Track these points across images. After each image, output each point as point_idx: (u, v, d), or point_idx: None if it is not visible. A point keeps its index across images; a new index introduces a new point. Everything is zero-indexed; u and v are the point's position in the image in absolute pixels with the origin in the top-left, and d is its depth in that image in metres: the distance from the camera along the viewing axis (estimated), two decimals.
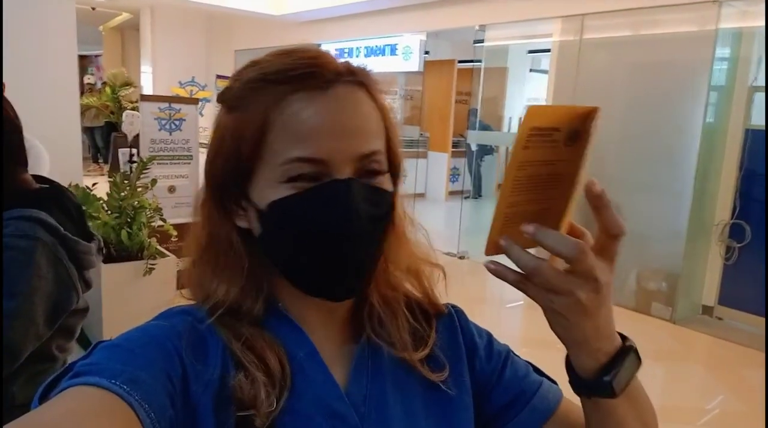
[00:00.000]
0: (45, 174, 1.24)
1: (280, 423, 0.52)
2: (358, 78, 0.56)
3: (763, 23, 4.11)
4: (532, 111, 0.43)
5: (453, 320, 0.68)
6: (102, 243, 1.22)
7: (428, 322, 0.66)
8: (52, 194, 1.16)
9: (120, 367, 0.47)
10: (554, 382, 0.70)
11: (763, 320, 4.08)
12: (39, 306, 1.05)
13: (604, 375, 0.52)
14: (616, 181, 4.66)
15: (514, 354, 0.71)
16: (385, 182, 0.57)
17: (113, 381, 0.45)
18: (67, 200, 1.18)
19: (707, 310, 4.40)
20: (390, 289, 0.63)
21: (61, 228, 1.10)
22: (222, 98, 0.57)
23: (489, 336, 0.71)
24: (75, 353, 3.05)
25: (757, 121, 4.18)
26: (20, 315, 1.02)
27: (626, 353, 0.53)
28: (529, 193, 0.48)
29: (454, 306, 0.71)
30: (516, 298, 4.98)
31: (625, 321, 4.28)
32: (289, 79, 0.53)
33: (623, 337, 0.55)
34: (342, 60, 0.57)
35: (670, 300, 4.32)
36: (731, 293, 4.30)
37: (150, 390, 0.47)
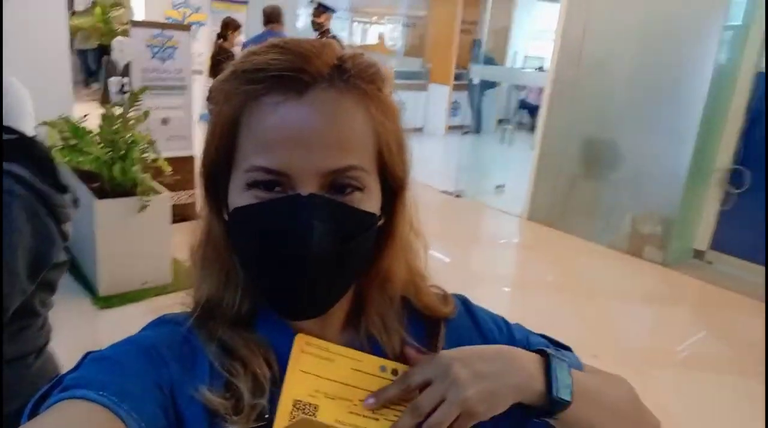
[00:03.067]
0: (27, 125, 1.18)
1: None
2: (350, 81, 0.51)
3: None
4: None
5: (464, 320, 0.65)
6: (77, 195, 1.19)
7: (434, 330, 0.62)
8: (22, 146, 1.12)
9: (108, 379, 0.47)
10: (568, 348, 0.70)
11: (754, 265, 4.13)
12: (21, 260, 1.04)
13: (552, 393, 0.53)
14: (621, 118, 4.56)
15: (530, 333, 0.69)
16: (362, 200, 0.52)
17: (101, 392, 0.45)
18: (38, 151, 1.13)
19: (698, 255, 4.44)
20: (385, 302, 0.60)
21: (37, 182, 1.06)
22: (214, 87, 0.54)
23: (507, 325, 0.68)
24: (75, 293, 3.04)
25: None
26: (4, 270, 1.00)
27: (549, 366, 0.54)
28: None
29: (463, 302, 0.67)
30: (509, 235, 5.02)
31: (617, 264, 4.35)
32: (263, 79, 0.49)
33: (540, 351, 0.57)
34: (341, 55, 0.52)
35: (663, 243, 4.34)
36: (724, 238, 4.32)
37: (139, 400, 0.47)
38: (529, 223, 5.06)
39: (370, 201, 0.53)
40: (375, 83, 0.53)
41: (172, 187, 3.89)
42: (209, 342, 0.54)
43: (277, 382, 0.52)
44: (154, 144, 3.43)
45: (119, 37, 4.37)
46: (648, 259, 4.37)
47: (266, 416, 0.50)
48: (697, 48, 4.11)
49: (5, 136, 1.12)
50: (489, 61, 7.51)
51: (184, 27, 4.58)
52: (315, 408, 0.51)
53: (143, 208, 3.04)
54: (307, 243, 0.48)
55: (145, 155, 3.34)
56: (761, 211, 4.20)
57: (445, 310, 0.63)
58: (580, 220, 4.86)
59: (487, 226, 5.35)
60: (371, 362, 0.54)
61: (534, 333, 0.69)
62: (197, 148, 4.42)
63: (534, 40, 9.39)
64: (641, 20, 4.41)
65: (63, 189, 1.15)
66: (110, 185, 3.13)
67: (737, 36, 4.13)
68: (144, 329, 0.57)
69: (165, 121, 4.23)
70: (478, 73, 6.88)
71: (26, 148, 1.12)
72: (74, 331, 2.43)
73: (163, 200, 3.21)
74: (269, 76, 0.49)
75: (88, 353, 0.52)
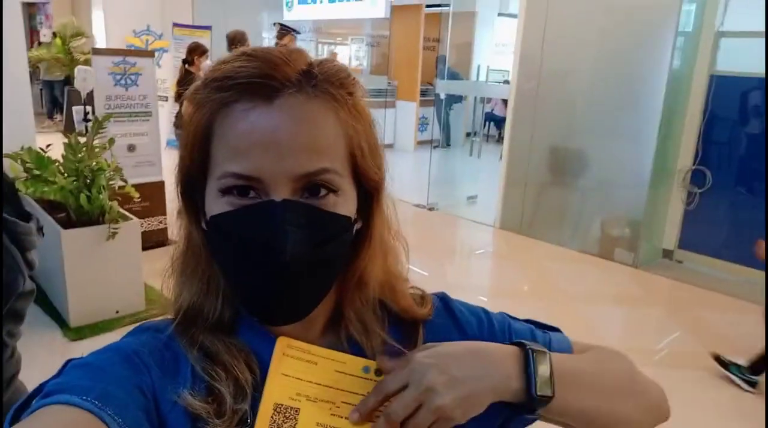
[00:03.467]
0: None
1: None
2: (319, 86, 0.51)
3: None
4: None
5: (442, 318, 0.65)
6: (40, 222, 1.16)
7: (412, 332, 0.62)
8: None
9: (90, 384, 0.47)
10: (556, 329, 0.69)
11: (722, 262, 4.25)
12: None
13: (532, 391, 0.52)
14: (584, 126, 4.68)
15: (513, 319, 0.68)
16: (337, 203, 0.52)
17: (84, 397, 0.45)
18: None
19: (668, 254, 4.54)
20: (363, 305, 0.60)
21: None
22: (189, 95, 0.55)
23: (487, 316, 0.67)
24: (44, 326, 2.94)
25: (722, 66, 4.21)
26: None
27: (527, 360, 0.54)
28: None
29: (442, 299, 0.67)
30: (484, 245, 5.06)
31: (589, 268, 4.42)
32: (233, 87, 0.50)
33: (518, 344, 0.56)
34: (310, 62, 0.53)
35: (632, 245, 4.44)
36: (691, 237, 4.44)
37: (123, 404, 0.47)
38: (502, 232, 5.12)
39: (345, 203, 0.53)
40: (344, 87, 0.53)
41: (142, 214, 3.84)
42: (191, 348, 0.54)
43: (259, 387, 0.52)
44: (121, 171, 3.38)
45: (81, 66, 4.31)
46: (619, 261, 4.46)
47: (248, 421, 0.50)
48: (652, 55, 4.26)
49: None
50: (453, 76, 7.64)
51: (148, 53, 4.55)
52: (296, 411, 0.51)
53: (112, 235, 2.98)
54: (282, 249, 0.48)
55: (112, 183, 3.29)
56: (724, 208, 4.33)
57: (423, 312, 0.64)
58: (550, 227, 4.94)
59: (462, 237, 5.39)
60: (354, 363, 0.54)
61: (518, 320, 0.69)
62: (166, 173, 4.36)
63: (497, 54, 9.58)
64: (597, 31, 4.56)
65: (26, 216, 1.12)
66: (77, 214, 3.07)
67: (689, 42, 4.30)
68: (125, 336, 0.57)
69: (131, 148, 4.18)
70: (443, 87, 6.99)
71: None
72: (45, 364, 2.35)
73: (133, 227, 3.16)
74: (238, 83, 0.50)
75: (69, 360, 0.52)
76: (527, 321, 0.69)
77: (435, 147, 9.22)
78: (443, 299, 0.68)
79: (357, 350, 0.58)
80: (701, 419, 2.61)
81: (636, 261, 4.39)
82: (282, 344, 0.53)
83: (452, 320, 0.66)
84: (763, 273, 3.92)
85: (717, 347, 3.29)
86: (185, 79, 4.44)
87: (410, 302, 0.63)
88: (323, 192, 0.51)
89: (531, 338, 0.65)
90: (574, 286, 4.11)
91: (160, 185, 4.20)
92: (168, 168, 4.76)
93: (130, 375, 0.50)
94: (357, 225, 0.57)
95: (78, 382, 0.47)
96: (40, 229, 1.15)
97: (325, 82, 0.52)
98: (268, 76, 0.50)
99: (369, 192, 0.57)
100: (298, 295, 0.52)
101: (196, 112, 0.53)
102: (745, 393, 2.80)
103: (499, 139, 8.85)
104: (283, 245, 0.48)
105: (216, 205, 0.51)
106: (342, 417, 0.52)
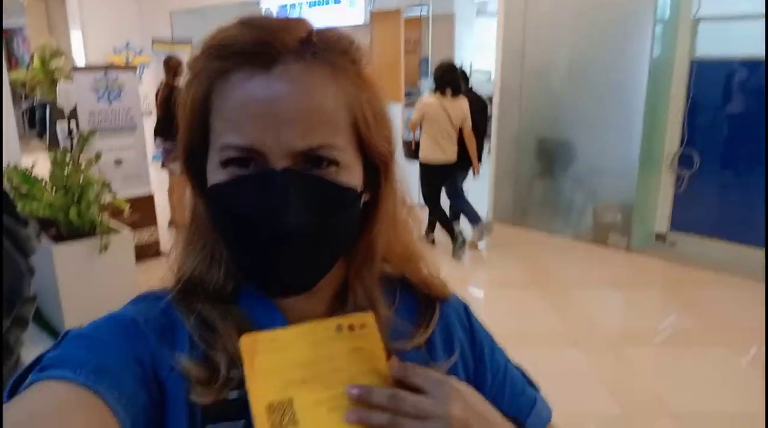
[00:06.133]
0: None
1: None
2: (319, 54, 0.49)
3: None
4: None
5: (460, 309, 0.65)
6: (39, 228, 1.15)
7: (427, 309, 0.61)
8: None
9: (87, 357, 0.47)
10: (537, 389, 0.68)
11: (713, 241, 4.29)
12: None
13: None
14: (569, 117, 4.72)
15: (509, 361, 0.67)
16: (339, 174, 0.50)
17: (78, 372, 0.44)
18: None
19: (660, 237, 4.58)
20: (371, 279, 0.58)
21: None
22: (188, 65, 0.53)
23: (491, 341, 0.67)
24: (42, 344, 2.93)
25: (702, 51, 4.26)
26: None
27: None
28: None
29: (465, 305, 0.67)
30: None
31: (584, 254, 4.44)
32: (230, 55, 0.48)
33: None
34: (310, 29, 0.51)
35: (625, 230, 4.47)
36: (682, 219, 4.48)
37: (118, 377, 0.46)
38: (495, 224, 5.13)
39: (349, 175, 0.51)
40: (347, 55, 0.51)
41: (133, 228, 3.81)
42: (188, 315, 0.53)
43: None
44: (110, 185, 3.35)
45: (63, 83, 4.28)
46: (613, 246, 4.49)
47: (243, 386, 0.49)
48: (632, 44, 4.31)
49: None
50: None
51: (130, 67, 4.53)
52: (290, 401, 0.48)
53: (104, 247, 2.95)
54: (283, 218, 0.47)
55: (100, 198, 3.26)
56: (713, 188, 4.38)
57: (442, 289, 0.63)
58: (543, 216, 4.97)
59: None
60: (325, 327, 0.52)
61: (513, 365, 0.68)
62: (154, 185, 4.34)
63: (478, 55, 9.65)
64: (576, 24, 4.61)
65: (24, 222, 1.11)
66: (67, 230, 3.03)
67: (667, 29, 4.35)
68: (125, 305, 0.56)
69: (118, 162, 4.15)
70: (428, 85, 7.03)
71: None
72: None
73: (125, 238, 3.13)
74: (236, 51, 0.48)
75: (68, 331, 0.51)
76: (518, 369, 0.69)
77: None
78: (466, 305, 0.67)
79: None
80: (702, 392, 2.63)
81: (630, 246, 4.42)
82: (246, 342, 0.50)
83: (467, 317, 0.65)
84: (754, 249, 3.97)
85: (713, 324, 3.32)
86: (170, 95, 4.41)
87: (431, 277, 0.63)
88: (324, 163, 0.49)
89: (521, 389, 0.65)
90: (569, 272, 4.13)
91: (149, 198, 4.17)
92: (155, 180, 4.75)
93: (127, 346, 0.50)
94: (365, 198, 0.55)
95: (74, 355, 0.47)
96: (38, 235, 1.14)
97: (326, 50, 0.50)
98: (265, 43, 0.48)
99: (376, 164, 0.55)
100: (300, 266, 0.51)
101: (194, 80, 0.51)
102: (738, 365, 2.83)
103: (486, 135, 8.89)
104: (284, 214, 0.47)
105: (216, 175, 0.50)
106: (336, 388, 0.49)
